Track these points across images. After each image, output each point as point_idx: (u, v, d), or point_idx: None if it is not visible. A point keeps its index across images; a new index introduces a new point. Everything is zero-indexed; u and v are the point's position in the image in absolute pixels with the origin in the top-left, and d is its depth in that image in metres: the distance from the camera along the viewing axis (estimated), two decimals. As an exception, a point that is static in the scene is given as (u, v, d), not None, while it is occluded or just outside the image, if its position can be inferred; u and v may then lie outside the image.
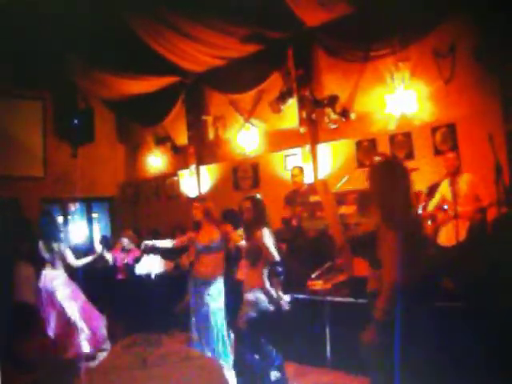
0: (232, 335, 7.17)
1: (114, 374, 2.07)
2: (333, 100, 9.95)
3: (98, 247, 9.22)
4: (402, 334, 3.92)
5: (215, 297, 7.26)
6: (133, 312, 2.23)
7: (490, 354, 5.22)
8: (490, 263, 5.81)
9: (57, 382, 2.71)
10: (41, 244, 7.92)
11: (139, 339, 2.16)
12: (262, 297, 5.89)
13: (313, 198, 9.06)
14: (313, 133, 10.53)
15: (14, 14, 9.34)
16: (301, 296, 7.38)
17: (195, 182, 13.22)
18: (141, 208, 15.09)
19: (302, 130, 10.57)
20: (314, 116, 10.34)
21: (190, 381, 2.11)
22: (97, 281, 9.23)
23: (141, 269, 9.42)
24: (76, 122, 13.99)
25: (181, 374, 2.10)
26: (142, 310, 2.23)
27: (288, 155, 11.22)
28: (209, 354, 6.76)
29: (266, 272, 5.95)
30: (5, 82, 11.61)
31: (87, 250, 10.96)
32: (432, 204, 7.77)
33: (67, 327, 7.54)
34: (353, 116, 9.85)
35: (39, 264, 7.79)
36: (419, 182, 8.04)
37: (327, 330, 6.98)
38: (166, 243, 7.79)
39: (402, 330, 3.94)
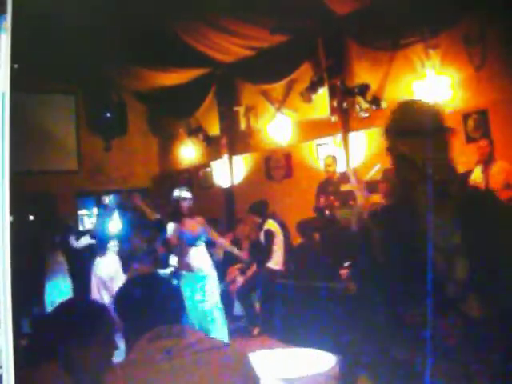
0: None
1: (139, 367, 2.11)
2: (363, 88, 9.91)
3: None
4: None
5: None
6: (157, 305, 2.27)
7: None
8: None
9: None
10: None
11: (163, 332, 2.20)
12: None
13: (344, 187, 9.06)
14: (344, 122, 10.50)
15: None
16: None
17: (228, 172, 13.31)
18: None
19: (334, 119, 10.55)
20: (344, 105, 10.32)
21: (215, 370, 2.15)
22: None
23: (174, 261, 9.53)
24: (109, 115, 14.15)
25: (205, 363, 2.15)
26: (166, 303, 2.28)
27: (320, 144, 11.22)
28: None
29: None
30: (38, 77, 11.73)
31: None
32: None
33: None
34: (384, 104, 9.79)
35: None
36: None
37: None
38: None
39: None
